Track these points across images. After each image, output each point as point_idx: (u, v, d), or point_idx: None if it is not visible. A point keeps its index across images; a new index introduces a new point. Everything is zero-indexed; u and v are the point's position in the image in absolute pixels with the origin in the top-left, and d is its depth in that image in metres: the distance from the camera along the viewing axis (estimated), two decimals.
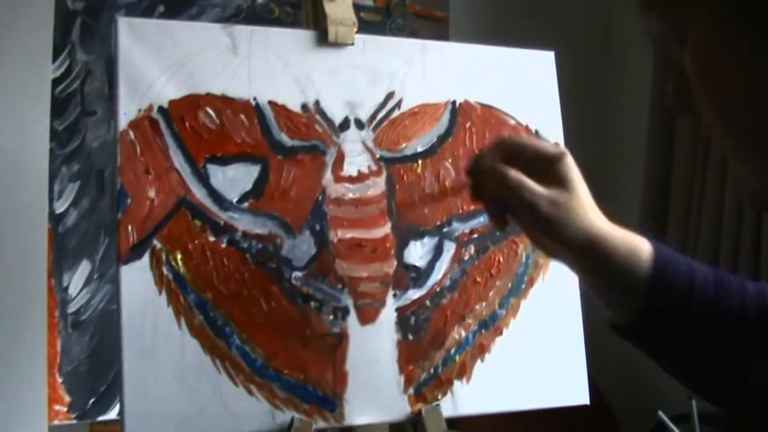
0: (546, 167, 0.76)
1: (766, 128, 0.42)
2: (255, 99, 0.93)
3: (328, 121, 0.96)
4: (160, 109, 0.89)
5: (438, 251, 0.99)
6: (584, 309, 1.05)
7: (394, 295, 0.96)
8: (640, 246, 0.73)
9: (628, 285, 0.72)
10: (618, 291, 0.74)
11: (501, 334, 1.01)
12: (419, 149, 1.00)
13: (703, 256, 1.81)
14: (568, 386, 1.03)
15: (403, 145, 0.99)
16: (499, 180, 0.76)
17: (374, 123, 0.98)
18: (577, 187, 0.75)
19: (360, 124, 0.97)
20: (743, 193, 0.48)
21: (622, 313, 0.74)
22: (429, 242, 0.99)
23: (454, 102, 1.03)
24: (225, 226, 0.90)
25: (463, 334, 0.99)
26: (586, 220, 0.74)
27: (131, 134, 0.88)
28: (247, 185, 0.92)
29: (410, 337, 0.96)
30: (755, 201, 0.48)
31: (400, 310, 0.96)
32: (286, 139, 0.94)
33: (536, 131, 1.07)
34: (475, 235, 1.01)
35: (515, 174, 0.75)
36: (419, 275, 0.97)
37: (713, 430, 1.44)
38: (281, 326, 0.91)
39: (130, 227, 0.87)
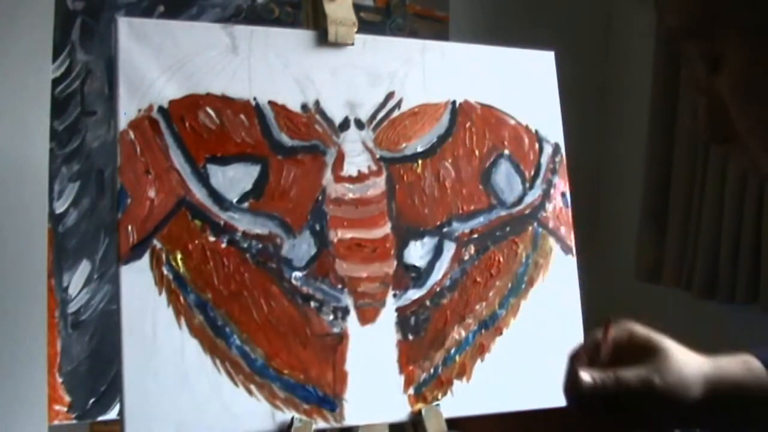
0: (622, 348, 0.69)
1: None
2: (255, 99, 0.93)
3: (328, 121, 0.96)
4: (160, 109, 0.89)
5: (438, 251, 0.99)
6: (584, 309, 1.05)
7: (394, 295, 0.96)
8: (751, 362, 0.69)
9: (760, 406, 0.67)
10: (752, 418, 0.68)
11: (501, 334, 1.01)
12: (419, 149, 1.00)
13: (703, 256, 1.81)
14: None
15: (403, 145, 0.99)
16: (602, 401, 0.68)
17: (374, 123, 0.98)
18: (665, 345, 0.68)
19: (360, 124, 0.97)
20: None
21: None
22: (429, 242, 0.99)
23: (454, 102, 1.03)
24: (225, 226, 0.90)
25: (463, 334, 0.99)
26: (696, 368, 0.67)
27: (131, 134, 0.88)
28: (247, 185, 0.92)
29: (410, 337, 0.96)
30: None
31: (400, 310, 0.96)
32: (286, 139, 0.94)
33: (536, 131, 1.07)
34: (475, 235, 1.01)
35: (611, 379, 0.67)
36: (419, 275, 0.97)
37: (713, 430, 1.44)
38: (281, 326, 0.91)
39: (130, 227, 0.87)
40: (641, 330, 0.70)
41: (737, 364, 0.68)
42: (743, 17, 0.41)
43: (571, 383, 0.70)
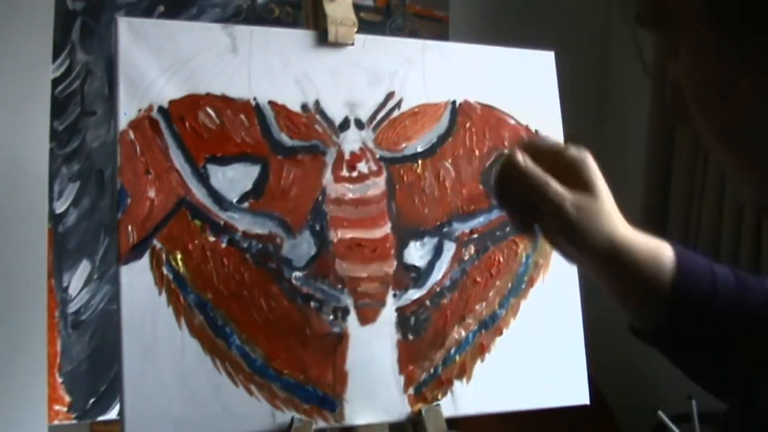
0: (569, 171, 0.74)
1: (756, 140, 0.43)
2: (255, 99, 0.93)
3: (328, 121, 0.96)
4: (160, 109, 0.89)
5: (438, 251, 0.99)
6: (584, 309, 1.05)
7: (394, 295, 0.96)
8: (663, 251, 0.72)
9: (651, 290, 0.71)
10: (641, 296, 0.73)
11: (501, 334, 1.01)
12: (419, 149, 1.00)
13: (703, 256, 1.80)
14: (568, 386, 1.03)
15: (403, 145, 0.99)
16: (524, 180, 0.73)
17: (374, 123, 0.98)
18: (600, 192, 0.74)
19: (360, 124, 0.97)
20: (744, 198, 0.48)
21: (645, 318, 0.74)
22: (429, 242, 0.99)
23: (454, 102, 1.03)
24: (225, 226, 0.90)
25: (463, 334, 0.99)
26: (610, 226, 0.72)
27: (131, 134, 0.88)
28: (247, 185, 0.92)
29: (410, 337, 0.96)
30: (757, 208, 0.49)
31: (400, 310, 0.96)
32: (286, 139, 0.94)
33: (536, 131, 1.07)
34: (475, 235, 1.01)
35: (542, 173, 0.72)
36: (419, 275, 0.97)
37: (713, 430, 1.44)
38: (281, 326, 0.91)
39: (130, 227, 0.87)
40: (593, 165, 0.75)
41: (650, 250, 0.72)
42: (689, 12, 0.42)
43: (508, 155, 0.74)
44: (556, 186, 0.72)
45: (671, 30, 0.45)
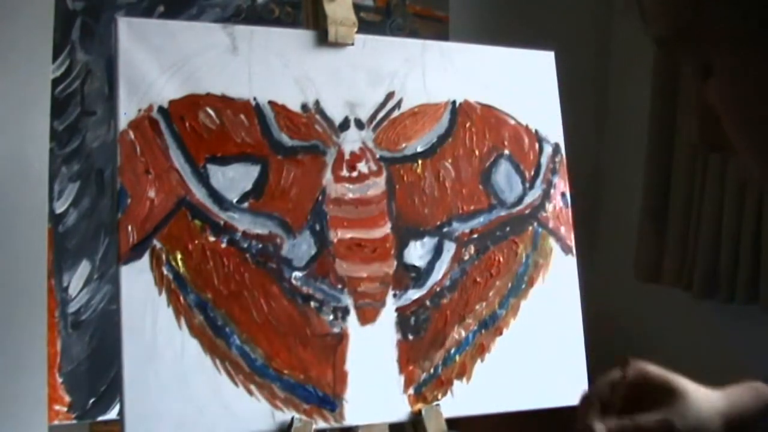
0: (641, 389, 0.68)
1: None
2: (255, 99, 0.93)
3: (328, 121, 0.96)
4: (160, 109, 0.89)
5: (438, 251, 0.99)
6: (584, 309, 1.05)
7: (394, 295, 0.96)
8: (755, 386, 0.70)
9: None
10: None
11: (501, 334, 1.01)
12: (419, 149, 1.00)
13: (703, 256, 1.81)
14: (568, 386, 1.03)
15: (403, 145, 0.99)
16: None
17: (374, 123, 0.98)
18: (681, 387, 0.68)
19: (360, 124, 0.97)
20: None
21: None
22: (429, 242, 0.99)
23: (454, 102, 1.03)
24: (225, 226, 0.90)
25: (463, 334, 0.99)
26: (712, 408, 0.67)
27: (131, 134, 0.88)
28: (247, 185, 0.92)
29: (410, 337, 0.96)
30: None
31: (400, 310, 0.96)
32: (286, 139, 0.94)
33: (536, 131, 1.07)
34: (475, 235, 1.01)
35: (628, 423, 0.65)
36: (419, 275, 0.97)
37: None
38: (281, 326, 0.91)
39: (130, 227, 0.87)
40: (655, 370, 0.69)
41: (748, 395, 0.69)
42: (728, 26, 0.40)
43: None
44: (650, 423, 0.65)
45: (704, 48, 0.43)
